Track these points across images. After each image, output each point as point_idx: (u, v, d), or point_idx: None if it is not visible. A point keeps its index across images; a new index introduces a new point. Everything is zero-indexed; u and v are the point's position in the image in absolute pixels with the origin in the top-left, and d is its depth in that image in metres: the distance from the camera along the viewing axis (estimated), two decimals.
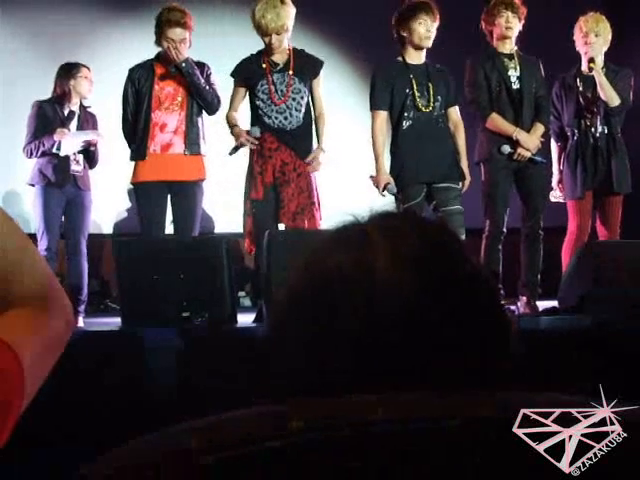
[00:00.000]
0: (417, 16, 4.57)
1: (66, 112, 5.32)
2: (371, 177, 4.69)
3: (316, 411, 0.74)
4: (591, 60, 4.94)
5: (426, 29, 4.59)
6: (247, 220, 4.60)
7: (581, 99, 5.07)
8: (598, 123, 5.03)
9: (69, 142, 5.24)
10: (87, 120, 5.42)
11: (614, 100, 4.98)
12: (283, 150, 4.56)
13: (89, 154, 5.35)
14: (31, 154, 5.29)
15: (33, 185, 5.32)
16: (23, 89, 6.09)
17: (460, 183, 4.71)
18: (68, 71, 5.34)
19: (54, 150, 5.22)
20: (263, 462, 0.70)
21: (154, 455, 0.72)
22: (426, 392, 0.75)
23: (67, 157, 5.27)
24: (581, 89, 5.07)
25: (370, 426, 0.71)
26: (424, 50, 4.69)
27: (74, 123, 5.39)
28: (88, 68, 5.39)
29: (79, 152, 5.32)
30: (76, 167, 5.32)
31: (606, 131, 5.03)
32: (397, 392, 0.75)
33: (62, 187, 5.27)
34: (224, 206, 6.13)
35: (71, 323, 1.08)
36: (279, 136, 4.58)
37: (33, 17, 6.46)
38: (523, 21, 4.92)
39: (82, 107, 5.42)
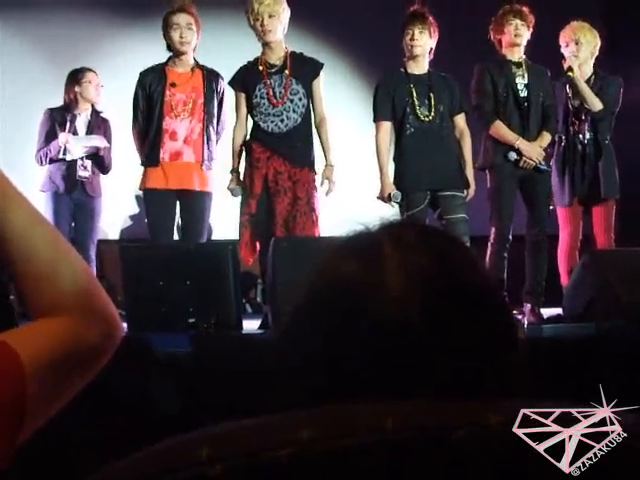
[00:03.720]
0: (405, 26, 4.63)
1: (74, 118, 5.35)
2: (378, 197, 4.72)
3: (326, 419, 0.73)
4: (569, 69, 4.95)
5: (410, 38, 4.62)
6: (244, 232, 4.59)
7: (570, 106, 5.09)
8: (585, 129, 5.04)
9: (74, 146, 5.25)
10: (99, 126, 5.41)
11: (596, 105, 4.98)
12: (275, 159, 4.54)
13: (99, 160, 5.35)
14: (42, 161, 5.31)
15: (44, 192, 5.35)
16: (34, 95, 6.10)
17: (465, 191, 4.72)
18: (74, 77, 5.35)
19: (60, 155, 5.23)
20: (273, 472, 0.70)
21: (162, 465, 0.72)
22: (433, 400, 0.75)
23: (74, 163, 5.28)
24: (570, 95, 5.09)
25: (381, 434, 0.71)
26: (424, 59, 4.71)
27: (83, 128, 5.40)
28: (95, 72, 5.39)
29: (88, 158, 5.33)
30: (83, 173, 5.31)
31: (593, 137, 5.04)
32: (405, 400, 0.75)
33: (70, 194, 5.28)
34: (224, 213, 6.13)
35: (112, 336, 0.94)
36: (271, 143, 4.56)
37: (39, 21, 6.47)
38: (532, 29, 4.94)
39: (94, 112, 5.43)
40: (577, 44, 5.02)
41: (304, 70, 4.64)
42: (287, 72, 4.59)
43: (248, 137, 4.69)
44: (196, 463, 0.70)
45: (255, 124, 4.64)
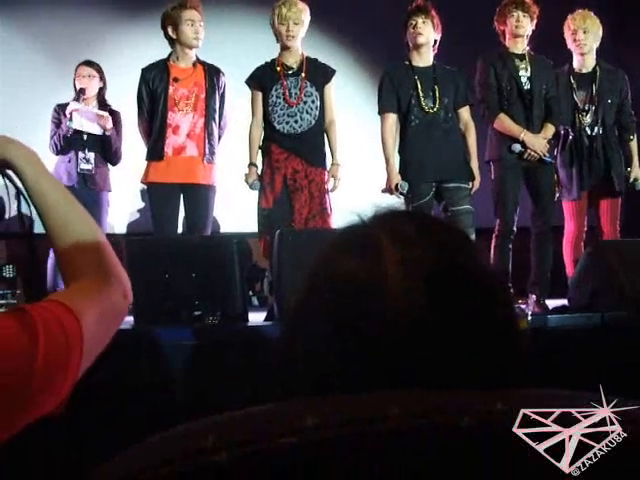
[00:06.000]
0: (408, 18, 4.68)
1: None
2: (383, 191, 4.74)
3: (331, 408, 0.74)
4: None
5: (414, 27, 4.66)
6: (261, 228, 4.68)
7: (575, 98, 5.07)
8: (594, 122, 5.03)
9: (81, 115, 5.21)
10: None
11: None
12: (293, 158, 4.63)
13: (105, 146, 5.31)
14: (56, 147, 5.29)
15: None
16: (36, 91, 6.10)
17: (470, 183, 4.73)
18: (75, 70, 5.40)
19: (67, 123, 5.21)
20: (278, 459, 0.70)
21: (169, 453, 0.72)
22: (439, 391, 0.75)
23: (76, 157, 5.28)
24: (575, 87, 5.07)
25: (386, 422, 0.71)
26: (429, 51, 4.73)
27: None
28: (87, 65, 5.37)
29: (92, 150, 5.30)
30: (85, 166, 5.28)
31: (601, 131, 5.03)
32: (410, 390, 0.75)
33: (72, 187, 5.27)
34: (230, 207, 6.13)
35: (129, 297, 1.12)
36: (288, 144, 4.63)
37: (41, 17, 6.45)
38: (535, 21, 4.92)
39: (102, 107, 5.43)
40: (584, 33, 5.00)
41: (318, 74, 4.73)
42: (303, 75, 4.69)
43: (265, 139, 4.74)
44: (202, 451, 0.71)
45: (271, 126, 4.70)
